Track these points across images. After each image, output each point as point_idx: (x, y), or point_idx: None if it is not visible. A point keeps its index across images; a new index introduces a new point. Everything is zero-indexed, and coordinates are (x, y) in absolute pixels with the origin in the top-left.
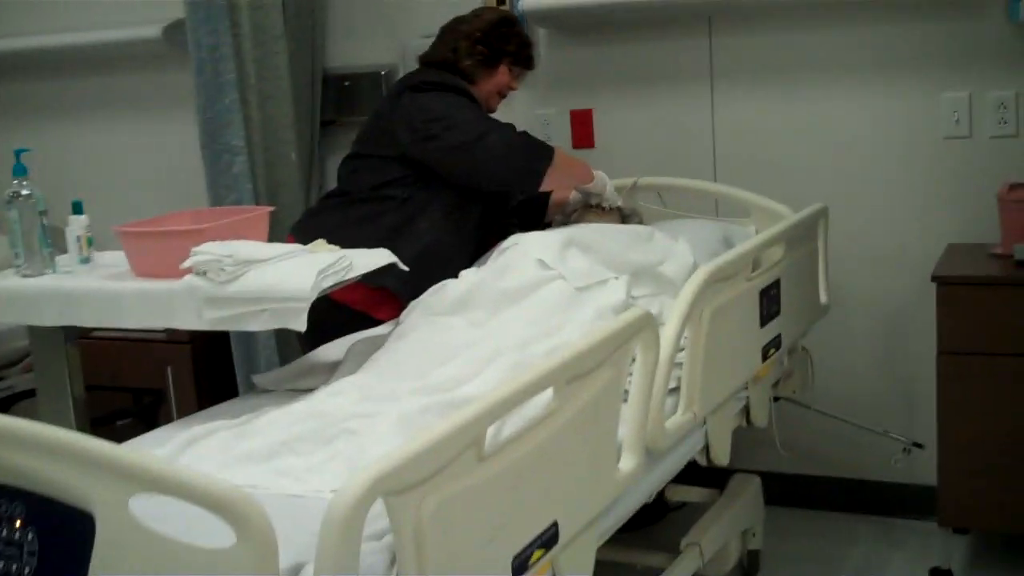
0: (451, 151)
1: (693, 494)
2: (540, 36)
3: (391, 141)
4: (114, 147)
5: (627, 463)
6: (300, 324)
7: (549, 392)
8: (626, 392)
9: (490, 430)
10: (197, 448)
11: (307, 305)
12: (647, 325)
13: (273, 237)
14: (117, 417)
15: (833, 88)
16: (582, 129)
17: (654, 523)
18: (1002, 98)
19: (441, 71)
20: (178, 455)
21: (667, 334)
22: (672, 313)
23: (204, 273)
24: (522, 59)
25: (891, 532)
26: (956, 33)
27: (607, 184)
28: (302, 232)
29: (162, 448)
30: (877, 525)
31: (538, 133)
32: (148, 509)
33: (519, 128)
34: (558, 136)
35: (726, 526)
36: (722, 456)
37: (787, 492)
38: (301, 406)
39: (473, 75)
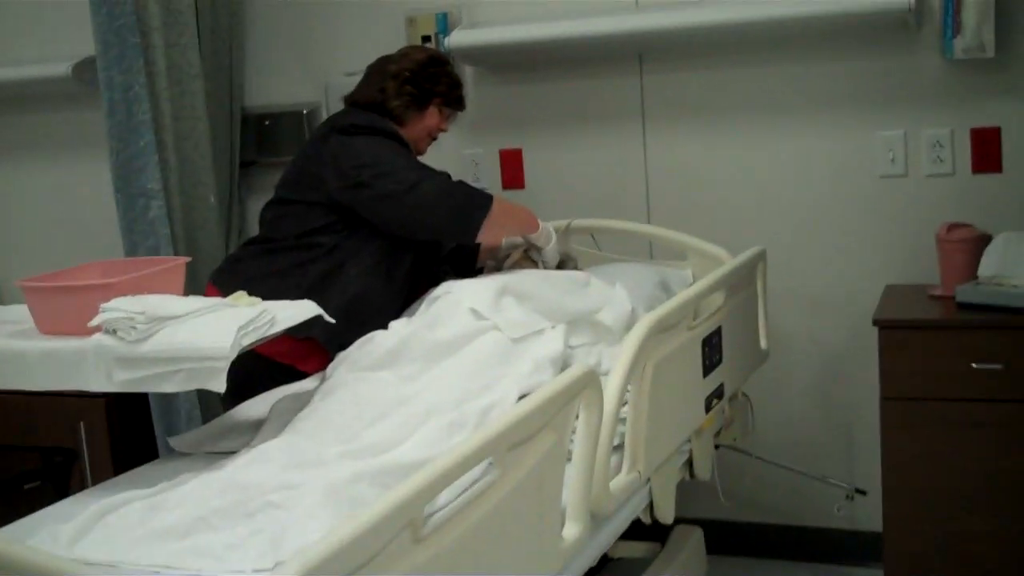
0: (382, 200)
1: (634, 549)
2: (468, 74)
3: (318, 185)
4: (23, 190)
5: (571, 530)
6: (219, 385)
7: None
8: (569, 452)
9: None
10: (108, 522)
11: (226, 364)
12: (589, 383)
13: (192, 283)
14: (24, 480)
15: (768, 127)
16: (512, 169)
17: (595, 573)
18: (937, 136)
19: (369, 113)
20: (87, 530)
21: (610, 389)
22: (615, 367)
23: (114, 331)
24: (452, 100)
25: None
26: (890, 70)
27: (551, 240)
28: (223, 281)
29: (70, 523)
30: (821, 573)
31: (467, 173)
32: None
33: (449, 170)
34: (487, 176)
35: None
36: (667, 514)
37: (730, 541)
38: (220, 476)
39: (402, 116)
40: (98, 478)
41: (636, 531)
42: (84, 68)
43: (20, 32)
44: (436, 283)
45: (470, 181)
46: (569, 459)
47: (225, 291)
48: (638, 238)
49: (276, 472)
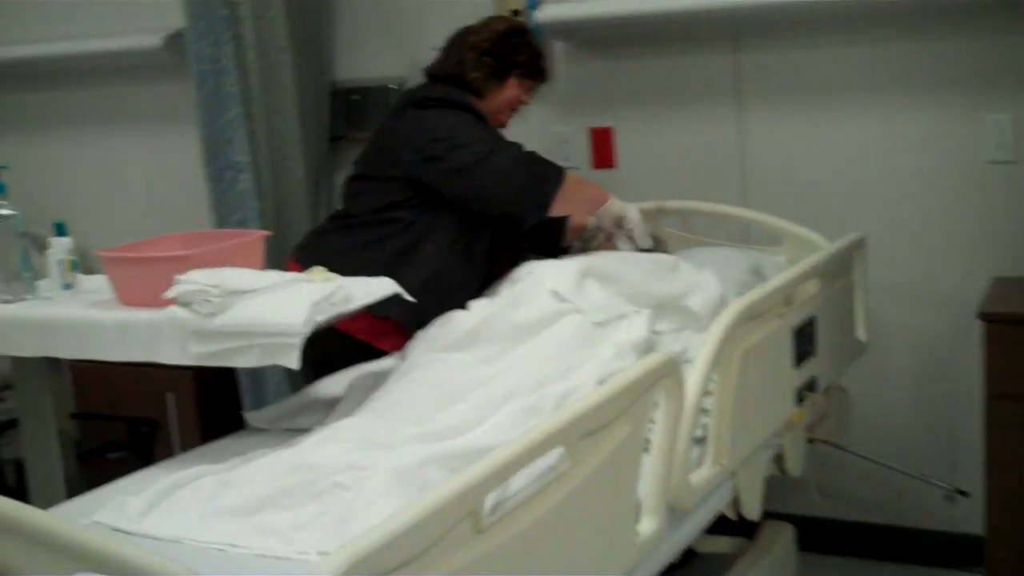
0: (455, 173)
1: (720, 544)
2: (558, 50)
3: (394, 161)
4: (113, 162)
5: (648, 525)
6: (292, 361)
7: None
8: (647, 441)
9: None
10: (176, 497)
11: (299, 341)
12: (670, 372)
13: (280, 258)
14: (109, 449)
15: (870, 108)
16: (602, 148)
17: (678, 568)
18: None
19: (447, 85)
20: (155, 505)
21: (693, 379)
22: (699, 356)
23: (189, 304)
24: (533, 71)
25: None
26: (1001, 51)
27: (632, 213)
28: (305, 256)
29: (140, 496)
30: (918, 575)
31: (556, 151)
32: None
33: (532, 147)
34: (577, 155)
35: None
36: (753, 511)
37: (823, 538)
38: (290, 455)
39: (481, 89)
40: (186, 449)
41: (726, 526)
42: (176, 40)
43: (114, 4)
44: (516, 261)
45: (559, 160)
46: (647, 450)
47: (305, 266)
48: (732, 221)
49: (346, 452)
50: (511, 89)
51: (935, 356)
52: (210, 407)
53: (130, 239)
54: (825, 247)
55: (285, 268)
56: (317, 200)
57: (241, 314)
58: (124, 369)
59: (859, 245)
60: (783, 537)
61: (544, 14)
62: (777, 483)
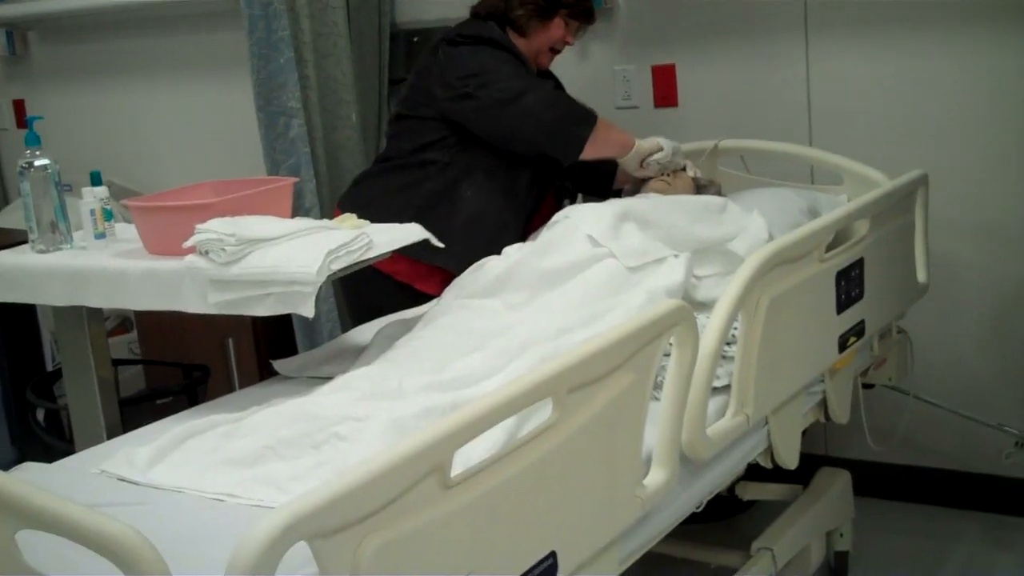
0: (484, 111)
1: (773, 491)
2: None
3: (427, 100)
4: (176, 108)
5: (655, 477)
6: (307, 310)
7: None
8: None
9: (482, 443)
10: (187, 447)
11: (314, 290)
12: (681, 319)
13: (333, 202)
14: (158, 396)
15: (943, 40)
16: (665, 86)
17: (735, 515)
18: None
19: (483, 22)
20: (165, 454)
21: (711, 328)
22: (719, 303)
23: (207, 253)
24: (580, 12)
25: (999, 530)
26: None
27: (661, 145)
28: (346, 202)
29: (150, 445)
30: (983, 522)
31: (617, 90)
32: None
33: (599, 88)
34: (639, 94)
35: (806, 528)
36: (789, 459)
37: (883, 483)
38: (296, 404)
39: (525, 27)
40: None
41: (783, 473)
42: None
43: None
44: (561, 199)
45: (619, 99)
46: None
47: (347, 212)
48: (792, 160)
49: (349, 403)
50: (556, 29)
51: (1008, 297)
52: (268, 351)
53: (189, 182)
54: (882, 186)
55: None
56: (378, 143)
57: (257, 262)
58: (187, 316)
59: (920, 182)
60: (838, 484)
61: None
62: (836, 428)
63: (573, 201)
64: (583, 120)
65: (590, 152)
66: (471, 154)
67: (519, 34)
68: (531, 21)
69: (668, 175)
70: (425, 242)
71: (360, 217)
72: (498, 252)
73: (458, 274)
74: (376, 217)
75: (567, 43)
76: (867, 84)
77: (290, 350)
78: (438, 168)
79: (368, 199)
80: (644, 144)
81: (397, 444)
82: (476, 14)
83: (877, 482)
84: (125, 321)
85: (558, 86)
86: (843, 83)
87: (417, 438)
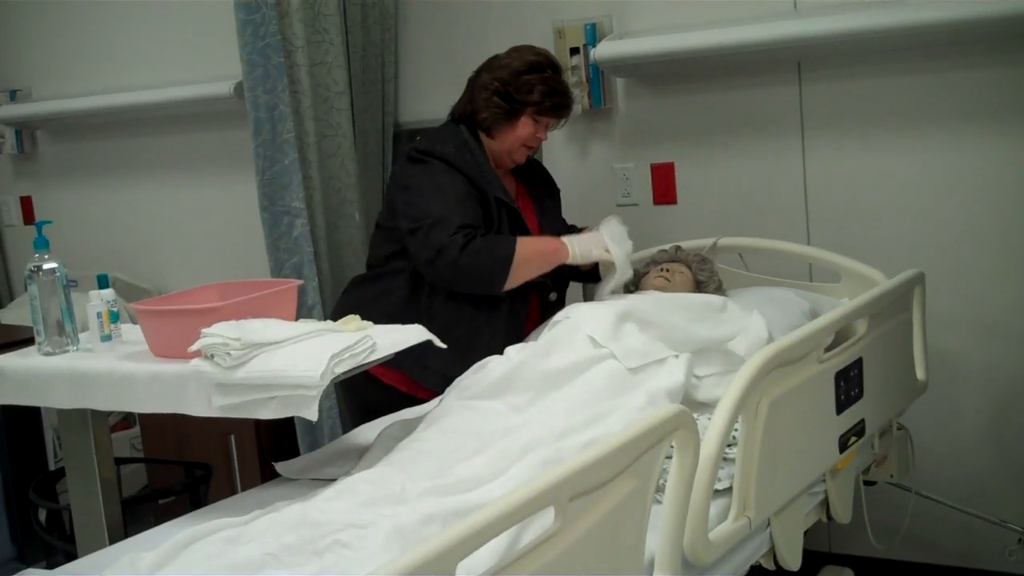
0: (414, 260)
1: None
2: (618, 86)
3: (391, 212)
4: (181, 205)
5: None
6: (311, 413)
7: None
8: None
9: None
10: (190, 552)
11: (317, 394)
12: (682, 424)
13: (332, 303)
14: (160, 496)
15: (938, 139)
16: (663, 184)
17: None
18: None
19: (457, 125)
20: (169, 559)
21: (712, 432)
22: (720, 405)
23: (212, 356)
24: (547, 108)
25: None
26: None
27: (588, 239)
28: (339, 307)
29: (155, 551)
30: None
31: (617, 188)
32: None
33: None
34: (638, 191)
35: None
36: (792, 560)
37: None
38: (298, 510)
39: (491, 129)
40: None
41: (784, 573)
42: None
43: (191, 52)
44: (544, 294)
45: (619, 197)
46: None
47: (336, 317)
48: (790, 258)
49: (352, 508)
50: (524, 127)
51: (1008, 393)
52: (271, 447)
53: (193, 284)
54: (878, 285)
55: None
56: None
57: (261, 366)
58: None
59: (916, 281)
60: None
61: (601, 51)
62: (837, 525)
63: (561, 294)
64: (498, 270)
65: (513, 283)
66: None
67: (487, 135)
68: (497, 123)
69: (665, 270)
70: (409, 357)
71: None
72: (477, 360)
73: (440, 391)
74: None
75: (540, 139)
76: (863, 182)
77: (292, 447)
78: (405, 276)
79: (352, 306)
80: (578, 249)
81: (400, 558)
82: (452, 116)
83: None
84: (127, 416)
85: (544, 180)
86: (839, 181)
87: (420, 551)
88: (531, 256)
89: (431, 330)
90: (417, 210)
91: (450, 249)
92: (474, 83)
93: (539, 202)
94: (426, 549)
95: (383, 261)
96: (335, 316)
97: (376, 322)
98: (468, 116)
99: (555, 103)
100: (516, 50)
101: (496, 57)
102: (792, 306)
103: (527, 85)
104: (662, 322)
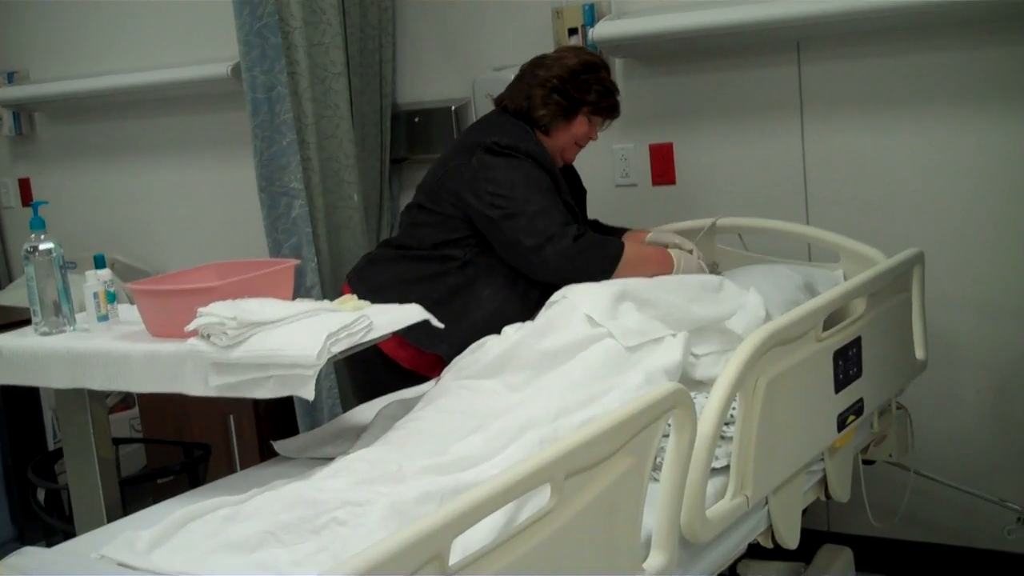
0: (509, 246)
1: (772, 570)
2: (616, 66)
3: (455, 200)
4: (179, 186)
5: (655, 561)
6: (308, 392)
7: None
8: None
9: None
10: (188, 530)
11: (314, 373)
12: (679, 402)
13: (334, 281)
14: (159, 475)
15: (938, 118)
16: (662, 164)
17: None
18: None
19: (516, 123)
20: (167, 538)
21: (709, 410)
22: (717, 385)
23: (208, 336)
24: (603, 108)
25: None
26: None
27: (694, 262)
28: (358, 281)
29: (152, 529)
30: None
31: (616, 168)
32: None
33: (598, 166)
34: (636, 171)
35: None
36: (790, 539)
37: (885, 559)
38: (296, 488)
39: (548, 127)
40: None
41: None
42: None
43: (188, 33)
44: None
45: (618, 177)
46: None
47: (358, 292)
48: (789, 238)
49: (349, 486)
50: (580, 126)
51: (1009, 372)
52: (270, 427)
53: (192, 265)
54: (877, 264)
55: (340, 292)
56: (380, 222)
57: (258, 346)
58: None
59: (916, 260)
60: (840, 561)
61: (599, 31)
62: (835, 504)
63: None
64: (602, 267)
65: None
66: (493, 257)
67: (543, 133)
68: (554, 121)
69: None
70: (432, 331)
71: (373, 300)
72: None
73: None
74: (390, 302)
75: (592, 138)
76: (862, 161)
77: (291, 426)
78: (458, 264)
79: (381, 283)
80: (683, 260)
81: (395, 533)
82: (503, 108)
83: (879, 558)
84: (127, 397)
85: (577, 181)
86: (838, 160)
87: (415, 527)
88: (636, 260)
89: (475, 318)
90: (513, 200)
91: (562, 238)
92: (531, 77)
93: (577, 203)
94: (420, 526)
95: (431, 246)
96: (358, 286)
97: (416, 302)
98: (524, 112)
99: (610, 104)
100: (565, 50)
101: (545, 56)
102: (787, 281)
103: (584, 84)
104: (659, 301)
